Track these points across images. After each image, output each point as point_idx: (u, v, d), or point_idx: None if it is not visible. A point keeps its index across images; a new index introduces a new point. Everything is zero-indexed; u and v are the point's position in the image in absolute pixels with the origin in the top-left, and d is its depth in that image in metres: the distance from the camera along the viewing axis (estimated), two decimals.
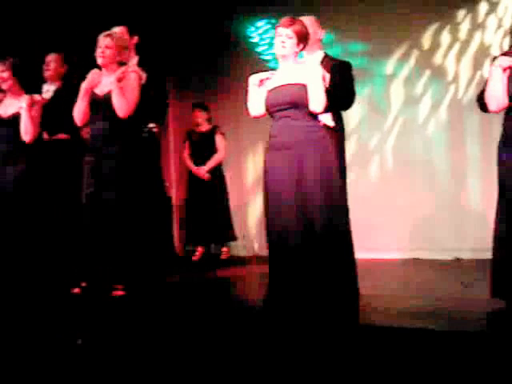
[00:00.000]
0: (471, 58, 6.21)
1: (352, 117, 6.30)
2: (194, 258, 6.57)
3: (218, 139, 6.61)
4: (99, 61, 4.34)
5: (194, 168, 6.60)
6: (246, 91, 4.05)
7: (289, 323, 3.48)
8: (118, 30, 4.73)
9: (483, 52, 6.12)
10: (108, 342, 3.66)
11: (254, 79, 3.95)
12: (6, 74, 4.71)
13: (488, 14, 6.16)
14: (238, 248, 7.01)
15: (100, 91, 4.37)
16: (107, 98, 4.28)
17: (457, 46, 6.29)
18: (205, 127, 6.69)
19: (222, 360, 3.31)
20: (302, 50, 3.92)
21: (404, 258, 6.07)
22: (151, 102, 4.65)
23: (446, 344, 3.01)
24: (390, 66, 6.56)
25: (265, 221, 3.90)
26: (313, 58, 4.25)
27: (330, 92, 3.83)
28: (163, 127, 7.38)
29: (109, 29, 4.60)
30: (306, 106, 3.78)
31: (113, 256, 4.28)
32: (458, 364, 2.89)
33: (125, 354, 3.53)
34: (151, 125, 5.05)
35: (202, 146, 6.61)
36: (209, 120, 6.72)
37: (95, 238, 4.30)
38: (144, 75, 4.59)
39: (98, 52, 4.32)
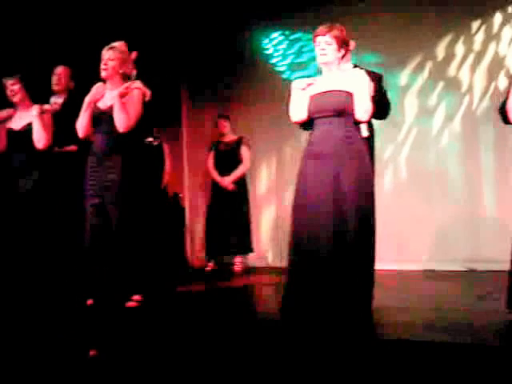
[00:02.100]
0: (485, 69, 6.19)
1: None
2: (206, 269, 6.57)
3: (244, 150, 6.62)
4: (103, 74, 4.38)
5: (218, 178, 6.60)
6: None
7: (307, 333, 3.46)
8: (117, 44, 4.77)
9: (498, 63, 6.10)
10: (121, 353, 3.65)
11: (297, 84, 3.92)
12: (16, 87, 4.80)
13: (503, 24, 6.14)
14: (251, 259, 7.00)
15: (103, 105, 4.40)
16: (109, 112, 4.32)
17: (471, 57, 6.27)
18: (230, 137, 6.71)
19: (234, 371, 3.30)
20: (344, 55, 3.87)
21: (418, 270, 6.03)
22: (152, 117, 4.69)
23: (460, 357, 2.98)
24: (403, 77, 6.54)
25: (291, 228, 3.84)
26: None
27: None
28: (177, 137, 7.47)
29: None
30: (350, 114, 3.74)
31: (123, 267, 4.29)
32: (471, 377, 2.86)
33: (138, 364, 3.52)
34: (150, 139, 5.08)
35: (227, 156, 6.62)
36: (232, 130, 6.75)
37: (103, 250, 4.32)
38: (148, 92, 4.61)
39: (102, 65, 4.36)
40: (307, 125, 3.94)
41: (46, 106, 4.92)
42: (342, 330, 3.44)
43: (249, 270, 6.62)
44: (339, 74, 3.85)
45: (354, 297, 3.60)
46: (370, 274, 3.76)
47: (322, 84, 3.86)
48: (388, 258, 6.10)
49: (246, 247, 6.62)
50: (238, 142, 6.64)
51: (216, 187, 6.64)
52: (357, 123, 3.81)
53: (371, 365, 3.04)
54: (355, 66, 4.37)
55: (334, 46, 3.79)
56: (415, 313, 3.91)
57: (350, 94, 3.74)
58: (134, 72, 4.98)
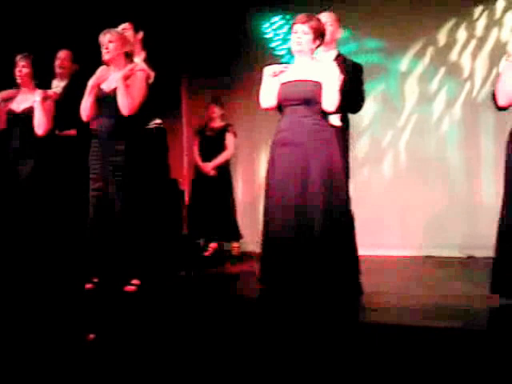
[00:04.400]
0: (487, 55, 6.17)
1: (366, 113, 6.27)
2: (205, 254, 6.57)
3: (228, 137, 6.59)
4: (106, 57, 4.37)
5: (200, 163, 6.59)
6: (260, 88, 4.05)
7: (285, 319, 3.48)
8: (122, 25, 4.76)
9: (499, 49, 6.07)
10: (120, 337, 3.66)
11: (268, 70, 3.95)
12: (25, 70, 4.76)
13: (505, 10, 6.11)
14: (251, 244, 7.00)
15: (107, 87, 4.39)
16: (114, 94, 4.30)
17: (473, 43, 6.24)
18: (217, 123, 6.67)
19: (230, 356, 3.31)
20: (318, 46, 3.93)
21: (416, 256, 6.04)
22: (158, 99, 4.66)
23: (459, 342, 2.99)
24: (404, 62, 6.52)
25: (263, 215, 3.89)
26: (326, 56, 4.24)
27: (342, 93, 3.83)
28: (177, 123, 7.44)
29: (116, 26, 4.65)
30: (318, 103, 3.79)
31: (124, 251, 4.30)
32: (469, 362, 2.87)
33: (136, 349, 3.53)
34: (158, 121, 5.07)
35: (212, 142, 6.59)
36: (222, 117, 6.72)
37: (105, 234, 4.31)
38: (152, 74, 4.59)
39: (103, 49, 4.34)
40: (281, 110, 3.98)
41: (50, 92, 4.87)
42: (319, 314, 3.49)
43: (246, 255, 6.62)
44: (311, 64, 3.89)
45: (327, 281, 3.66)
46: (350, 259, 3.83)
47: (293, 72, 3.91)
48: (387, 244, 6.13)
49: (231, 234, 6.59)
50: (224, 129, 6.61)
51: (198, 173, 6.62)
52: (325, 113, 3.85)
53: (361, 350, 3.04)
54: (339, 55, 4.36)
55: (310, 36, 3.84)
56: (414, 298, 3.91)
57: (318, 84, 3.79)
58: (143, 54, 4.96)
